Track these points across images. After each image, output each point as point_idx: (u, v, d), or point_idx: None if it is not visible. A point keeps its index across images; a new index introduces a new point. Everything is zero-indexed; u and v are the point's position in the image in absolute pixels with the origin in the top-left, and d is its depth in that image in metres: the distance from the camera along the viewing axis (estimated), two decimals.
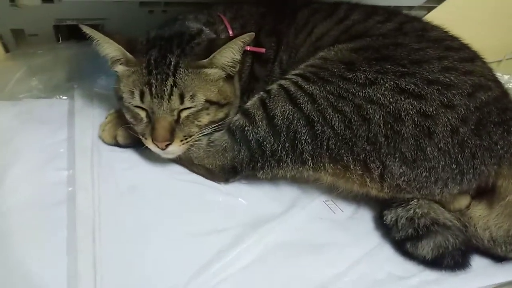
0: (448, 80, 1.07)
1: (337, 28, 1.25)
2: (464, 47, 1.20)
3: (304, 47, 1.26)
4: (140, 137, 1.14)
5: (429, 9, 1.57)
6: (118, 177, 1.13)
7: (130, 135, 1.20)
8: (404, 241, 1.07)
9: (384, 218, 1.10)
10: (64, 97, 1.38)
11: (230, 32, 1.24)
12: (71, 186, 1.07)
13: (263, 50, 1.26)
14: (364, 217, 1.16)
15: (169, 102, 1.09)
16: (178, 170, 1.20)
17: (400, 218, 1.08)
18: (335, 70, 1.12)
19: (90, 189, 1.08)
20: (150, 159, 1.20)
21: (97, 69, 1.46)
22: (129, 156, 1.21)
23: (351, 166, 1.07)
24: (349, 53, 1.14)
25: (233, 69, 1.16)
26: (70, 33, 1.65)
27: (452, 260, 1.03)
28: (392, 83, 1.06)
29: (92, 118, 1.29)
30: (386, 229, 1.10)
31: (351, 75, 1.09)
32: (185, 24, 1.22)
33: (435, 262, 1.04)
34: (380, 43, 1.15)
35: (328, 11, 1.30)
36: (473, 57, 1.17)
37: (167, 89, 1.08)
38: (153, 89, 1.08)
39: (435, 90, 1.05)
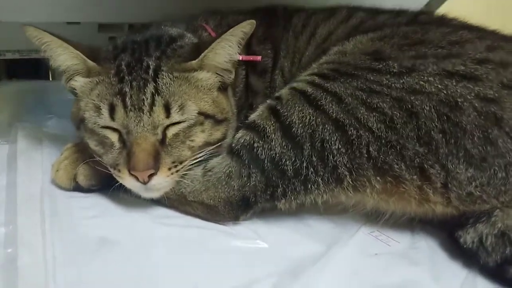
0: (499, 58, 0.87)
1: (345, 26, 1.07)
2: (496, 31, 1.02)
3: (309, 50, 1.06)
4: (111, 170, 0.85)
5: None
6: (81, 230, 0.81)
7: (95, 172, 0.90)
8: (504, 266, 0.77)
9: (461, 241, 0.82)
10: (3, 142, 1.05)
11: None
12: (10, 247, 0.72)
13: (258, 58, 1.03)
14: (430, 246, 0.86)
15: (150, 115, 0.81)
16: (164, 213, 0.89)
17: (485, 237, 0.80)
18: (359, 62, 0.90)
19: (39, 249, 0.73)
20: (124, 204, 0.89)
21: (46, 109, 1.25)
22: (96, 203, 0.90)
23: (406, 176, 0.81)
24: (372, 43, 0.94)
25: (229, 75, 0.93)
26: (10, 70, 1.38)
27: None
28: (435, 67, 0.85)
29: (41, 161, 0.99)
30: (469, 255, 0.81)
31: (381, 65, 0.88)
32: (161, 28, 0.98)
33: None
34: (405, 30, 0.96)
35: (327, 12, 1.14)
36: (510, 37, 0.99)
37: (146, 98, 0.81)
38: (127, 99, 0.81)
39: (490, 69, 0.85)
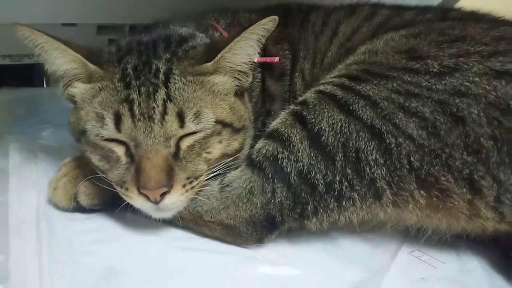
0: None
1: (369, 24, 0.98)
2: None
3: (332, 50, 0.97)
4: (117, 188, 0.75)
5: None
6: (83, 260, 0.71)
7: (97, 191, 0.81)
8: None
9: None
10: None
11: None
12: (2, 282, 0.61)
13: (276, 59, 0.94)
14: (484, 268, 0.76)
15: (162, 124, 0.71)
16: (179, 235, 0.79)
17: None
18: (393, 62, 0.82)
19: (35, 283, 0.62)
20: (132, 226, 0.79)
21: (41, 118, 1.14)
22: (99, 225, 0.80)
23: (454, 189, 0.72)
24: (406, 40, 0.85)
25: (248, 78, 0.84)
26: (0, 77, 1.28)
27: None
28: (481, 66, 0.77)
29: (36, 179, 0.88)
30: None
31: (418, 65, 0.79)
32: (170, 28, 0.88)
33: None
34: (442, 26, 0.87)
35: (348, 9, 1.06)
36: None
37: (157, 106, 0.71)
38: (135, 107, 0.71)
39: None
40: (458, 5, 1.45)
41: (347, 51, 0.93)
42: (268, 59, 0.95)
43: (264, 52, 0.97)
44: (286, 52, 1.00)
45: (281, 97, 0.97)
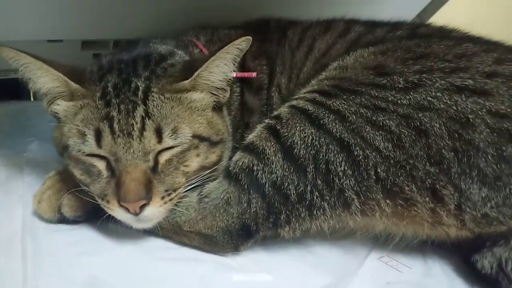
0: (508, 71, 0.83)
1: (343, 41, 1.03)
2: (499, 42, 0.99)
3: (308, 66, 1.01)
4: (99, 201, 0.78)
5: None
6: (67, 271, 0.74)
7: (80, 203, 0.84)
8: None
9: (478, 266, 0.77)
10: None
11: None
12: None
13: (254, 74, 0.98)
14: (446, 272, 0.81)
15: (141, 140, 0.75)
16: (159, 245, 0.82)
17: (505, 261, 0.75)
18: (361, 78, 0.86)
19: None
20: (114, 236, 0.82)
21: (27, 132, 1.16)
22: (83, 236, 0.83)
23: (418, 198, 0.76)
24: (375, 57, 0.89)
25: (224, 94, 0.87)
26: None
27: None
28: (443, 81, 0.81)
29: (22, 193, 0.92)
30: (489, 282, 0.76)
31: (385, 81, 0.84)
32: (150, 46, 0.92)
33: None
34: (408, 44, 0.92)
35: (323, 25, 1.10)
36: None
37: (136, 122, 0.75)
38: (115, 124, 0.75)
39: (500, 83, 0.81)
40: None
41: (322, 67, 0.97)
42: (246, 74, 0.99)
43: (243, 67, 1.02)
44: (264, 67, 1.04)
45: (259, 110, 1.01)
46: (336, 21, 1.11)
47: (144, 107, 0.77)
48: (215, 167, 0.86)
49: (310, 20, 1.14)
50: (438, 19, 1.40)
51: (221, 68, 0.82)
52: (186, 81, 0.81)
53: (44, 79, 0.79)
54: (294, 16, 1.17)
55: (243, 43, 0.81)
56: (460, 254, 0.82)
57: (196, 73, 0.81)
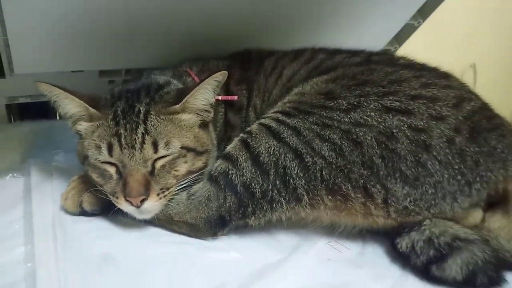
0: (431, 94, 1.04)
1: (306, 67, 1.24)
2: (435, 68, 1.20)
3: (277, 89, 1.23)
4: (111, 197, 1.01)
5: None
6: (88, 248, 0.97)
7: (97, 200, 1.06)
8: (428, 265, 0.93)
9: (398, 246, 0.97)
10: (19, 176, 1.23)
11: None
12: (29, 262, 0.88)
13: (235, 97, 1.21)
14: (376, 252, 1.03)
15: (141, 151, 0.98)
16: (157, 232, 1.05)
17: (416, 242, 0.96)
18: (315, 101, 1.07)
19: (53, 265, 0.89)
20: (123, 225, 1.05)
21: (54, 145, 1.38)
22: (99, 225, 1.06)
23: (352, 195, 0.97)
24: (326, 84, 1.11)
25: (208, 114, 1.10)
26: (22, 112, 1.56)
27: (485, 276, 0.90)
28: (376, 103, 1.02)
29: (51, 192, 1.15)
30: (404, 258, 0.97)
31: (332, 103, 1.05)
32: (151, 77, 1.16)
33: (468, 282, 0.90)
34: (355, 71, 1.13)
35: (294, 54, 1.31)
36: (447, 74, 1.17)
37: (138, 138, 0.98)
38: (122, 139, 0.98)
39: (421, 104, 1.02)
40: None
41: (287, 90, 1.18)
42: (229, 98, 1.21)
43: (227, 91, 1.23)
44: (244, 91, 1.25)
45: (239, 127, 1.22)
46: (305, 50, 1.31)
47: (144, 126, 1.00)
48: (201, 172, 1.07)
49: (285, 50, 1.36)
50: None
51: (204, 95, 1.04)
52: (177, 105, 1.03)
53: (70, 106, 1.03)
54: (280, 44, 1.37)
55: (220, 76, 1.04)
56: (388, 238, 1.03)
57: (184, 99, 1.03)
